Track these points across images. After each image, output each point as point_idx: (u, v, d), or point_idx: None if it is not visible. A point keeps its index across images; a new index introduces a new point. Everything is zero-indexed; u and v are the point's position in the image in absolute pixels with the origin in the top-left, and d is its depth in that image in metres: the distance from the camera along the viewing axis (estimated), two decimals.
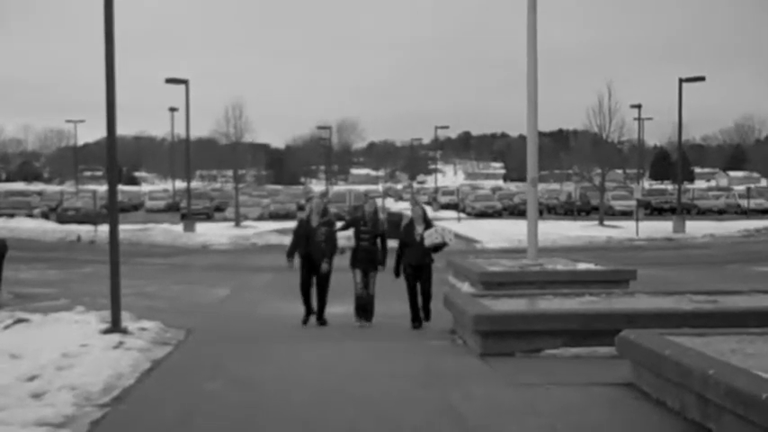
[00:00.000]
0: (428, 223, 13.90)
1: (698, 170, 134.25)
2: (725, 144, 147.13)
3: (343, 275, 14.24)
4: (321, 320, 14.11)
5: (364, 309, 13.93)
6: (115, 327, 12.43)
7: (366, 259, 13.84)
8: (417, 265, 13.70)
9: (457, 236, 14.38)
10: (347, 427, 8.04)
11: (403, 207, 62.28)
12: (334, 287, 14.29)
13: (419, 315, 13.85)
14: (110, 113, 12.98)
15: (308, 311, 14.15)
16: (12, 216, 47.04)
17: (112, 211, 13.47)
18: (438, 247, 13.71)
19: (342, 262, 14.35)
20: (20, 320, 13.04)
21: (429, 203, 69.90)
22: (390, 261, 13.91)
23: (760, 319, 11.09)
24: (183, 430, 7.99)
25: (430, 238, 13.53)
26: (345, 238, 14.19)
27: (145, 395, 9.35)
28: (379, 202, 51.53)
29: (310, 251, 13.89)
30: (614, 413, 8.48)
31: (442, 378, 10.11)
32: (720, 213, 60.22)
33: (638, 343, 9.13)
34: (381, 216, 15.10)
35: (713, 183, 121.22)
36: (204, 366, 10.90)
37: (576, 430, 7.85)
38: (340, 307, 14.70)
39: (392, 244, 13.89)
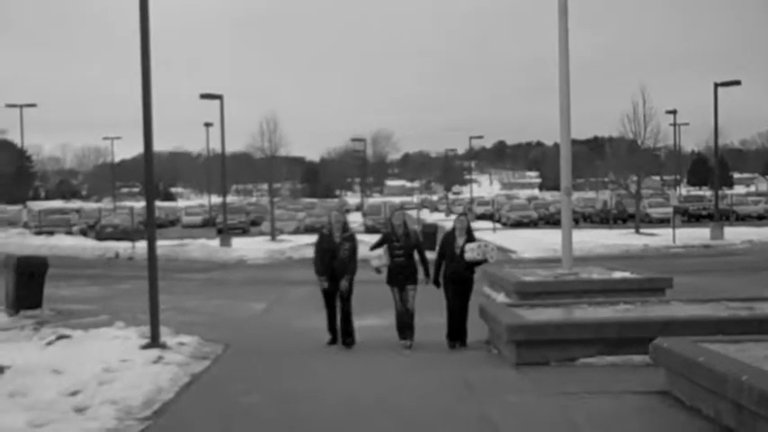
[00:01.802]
0: (470, 236, 13.17)
1: (737, 175, 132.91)
2: (763, 148, 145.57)
3: (376, 288, 13.96)
4: (346, 342, 13.21)
5: (406, 326, 13.11)
6: (154, 342, 12.63)
7: (402, 275, 13.02)
8: (457, 279, 12.98)
9: (499, 249, 13.53)
10: None
11: (438, 218, 62.37)
12: (372, 299, 14.27)
13: (457, 332, 13.05)
14: (147, 130, 13.21)
15: (335, 332, 13.38)
16: (51, 234, 47.61)
17: (150, 228, 13.69)
18: (478, 263, 13.06)
19: (372, 275, 13.71)
20: (62, 336, 13.26)
21: (465, 213, 69.76)
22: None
23: None
24: None
25: (471, 253, 12.79)
26: (377, 257, 13.09)
27: (184, 409, 9.51)
28: (414, 213, 51.63)
29: (334, 267, 13.09)
30: (649, 421, 8.50)
31: (477, 389, 10.18)
32: (760, 219, 59.56)
33: (671, 350, 9.15)
34: (414, 227, 14.36)
35: (752, 188, 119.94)
36: (242, 380, 11.04)
37: None
38: (377, 319, 14.77)
39: (430, 256, 13.30)
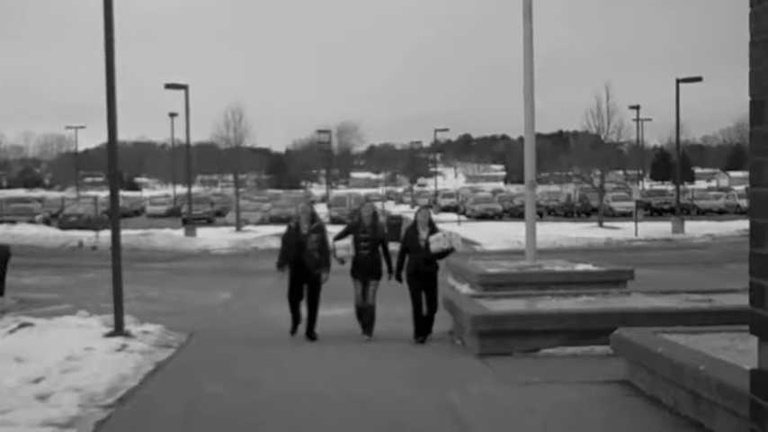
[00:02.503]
0: (433, 228, 12.90)
1: (698, 170, 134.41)
2: (725, 144, 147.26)
3: (343, 279, 13.92)
4: (311, 335, 13.05)
5: (367, 321, 12.99)
6: (118, 330, 12.60)
7: (366, 268, 12.85)
8: (422, 272, 12.69)
9: (464, 240, 13.56)
10: (347, 426, 8.20)
11: (403, 210, 62.49)
12: (337, 289, 14.25)
13: (423, 329, 12.81)
14: (110, 119, 13.15)
15: (297, 321, 13.22)
16: (14, 223, 47.11)
17: (114, 217, 13.63)
18: (445, 253, 12.75)
19: (339, 266, 13.54)
20: (24, 325, 13.18)
21: (429, 206, 69.94)
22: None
23: None
24: (187, 430, 8.16)
25: (437, 243, 12.53)
26: (344, 247, 12.88)
27: (148, 396, 9.51)
28: (379, 205, 51.71)
29: (302, 259, 12.90)
30: (609, 410, 8.63)
31: (440, 378, 10.27)
32: (720, 213, 60.38)
33: (632, 341, 9.30)
34: (381, 219, 14.10)
35: (713, 183, 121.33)
36: (206, 368, 11.06)
37: (571, 427, 8.02)
38: (340, 309, 14.81)
39: (393, 247, 13.20)
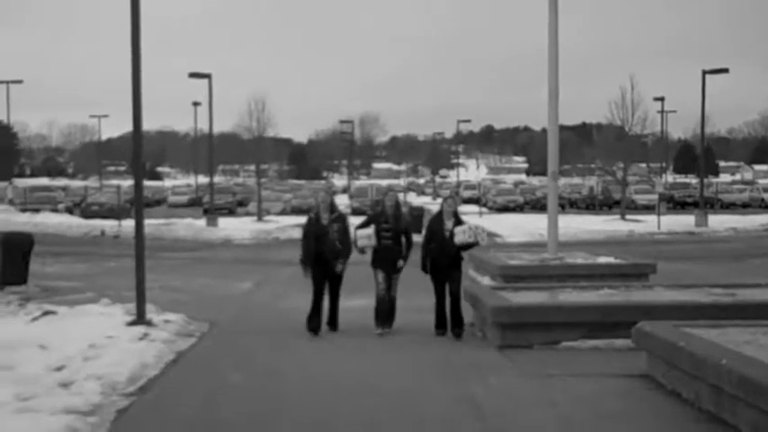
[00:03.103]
0: (458, 219, 12.62)
1: (722, 163, 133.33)
2: (750, 137, 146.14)
3: (364, 269, 13.78)
4: (333, 326, 12.93)
5: (385, 314, 12.66)
6: (140, 319, 12.67)
7: (388, 259, 12.56)
8: (446, 263, 12.42)
9: (489, 234, 13.09)
10: (369, 417, 8.23)
11: (425, 201, 62.43)
12: (358, 280, 14.24)
13: (445, 321, 12.52)
14: (136, 109, 13.23)
15: (318, 322, 12.66)
16: (37, 211, 47.39)
17: (138, 206, 13.67)
18: (469, 246, 12.51)
19: (359, 256, 13.32)
20: (47, 312, 13.29)
21: (452, 197, 69.76)
22: (414, 256, 12.89)
23: None
24: (208, 418, 8.21)
25: (462, 235, 12.27)
26: (366, 237, 12.60)
27: (169, 385, 9.57)
28: (401, 196, 51.67)
29: (323, 251, 12.56)
30: (629, 404, 8.61)
31: (461, 370, 10.28)
32: (744, 207, 59.86)
33: (653, 334, 9.26)
34: (404, 209, 13.64)
35: (738, 176, 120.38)
36: (227, 358, 11.11)
37: (591, 420, 7.99)
38: (361, 300, 14.78)
39: (416, 238, 13.02)
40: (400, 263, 12.67)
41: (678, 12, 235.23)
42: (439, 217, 12.70)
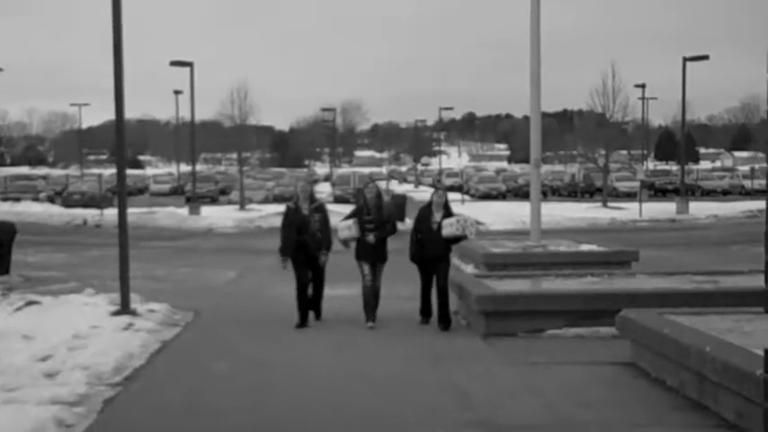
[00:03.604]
0: (448, 211, 12.38)
1: (703, 150, 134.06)
2: (730, 124, 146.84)
3: (346, 259, 13.68)
4: (317, 314, 12.85)
5: (372, 305, 12.50)
6: (124, 309, 12.64)
7: (373, 251, 12.35)
8: (433, 256, 12.28)
9: (478, 223, 12.69)
10: (356, 404, 8.27)
11: (407, 189, 62.47)
12: (342, 270, 14.21)
13: (430, 309, 12.51)
14: (118, 98, 13.17)
15: (305, 316, 12.53)
16: (18, 200, 47.15)
17: (121, 195, 13.60)
18: (457, 239, 12.34)
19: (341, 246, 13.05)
20: (31, 303, 13.23)
21: (433, 185, 69.89)
22: (401, 244, 12.86)
23: (758, 299, 11.22)
24: (194, 408, 8.22)
25: (449, 228, 12.07)
26: (347, 227, 12.36)
27: (155, 375, 9.58)
28: (383, 184, 51.69)
29: (306, 241, 12.39)
30: (613, 391, 8.67)
31: (446, 358, 10.32)
32: (725, 194, 60.27)
33: (637, 322, 9.32)
34: (386, 198, 13.35)
35: (718, 163, 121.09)
36: (212, 347, 11.12)
37: (576, 407, 8.04)
38: (345, 290, 14.80)
39: (400, 226, 12.95)
40: (369, 237, 12.25)
41: None
42: (428, 208, 12.52)
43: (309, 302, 12.69)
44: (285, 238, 12.59)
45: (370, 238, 12.31)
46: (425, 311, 12.60)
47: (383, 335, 11.87)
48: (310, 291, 12.74)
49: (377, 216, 12.40)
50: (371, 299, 12.50)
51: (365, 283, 12.47)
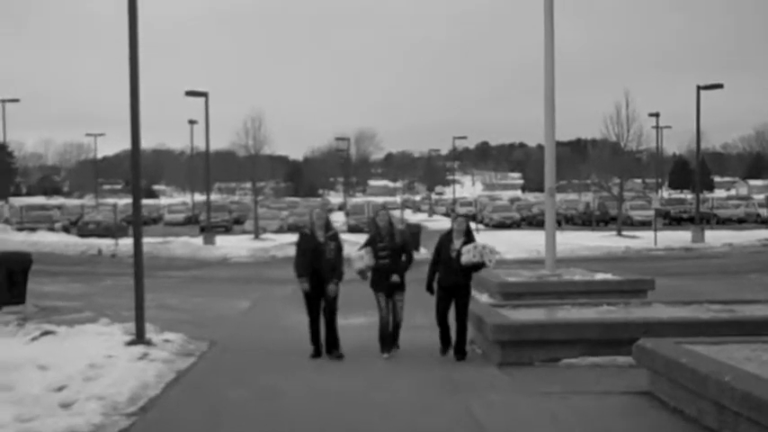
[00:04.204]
0: (469, 238, 12.10)
1: (717, 179, 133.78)
2: (745, 152, 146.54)
3: (358, 287, 13.24)
4: (332, 353, 12.23)
5: (390, 338, 12.26)
6: (139, 338, 12.65)
7: (388, 279, 12.07)
8: (451, 285, 11.97)
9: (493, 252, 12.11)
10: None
11: (421, 219, 62.43)
12: (354, 298, 14.15)
13: (449, 337, 12.14)
14: (134, 128, 13.24)
15: (319, 346, 12.28)
16: (34, 230, 47.34)
17: (136, 224, 13.66)
18: (476, 267, 11.95)
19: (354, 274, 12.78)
20: (46, 332, 13.26)
21: (447, 215, 69.87)
22: (418, 274, 12.73)
23: None
24: None
25: (467, 254, 11.74)
26: (359, 258, 12.13)
27: (170, 405, 9.56)
28: (397, 213, 51.71)
29: (320, 269, 12.02)
30: (631, 421, 8.60)
31: (461, 387, 10.27)
32: (740, 222, 60.01)
33: (654, 351, 9.26)
34: (400, 227, 12.97)
35: (733, 191, 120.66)
36: (228, 377, 11.09)
37: None
38: (361, 318, 14.76)
39: (415, 256, 12.73)
40: (394, 277, 12.07)
41: (673, 26, 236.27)
42: (448, 236, 12.23)
43: (321, 338, 12.33)
44: (300, 262, 12.19)
45: (385, 262, 12.03)
46: (445, 340, 12.21)
47: (397, 363, 11.81)
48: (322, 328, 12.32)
49: (390, 243, 12.15)
50: (387, 331, 12.24)
51: (382, 315, 12.23)
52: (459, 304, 12.06)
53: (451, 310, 12.16)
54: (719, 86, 42.25)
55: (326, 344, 12.28)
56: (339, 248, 12.30)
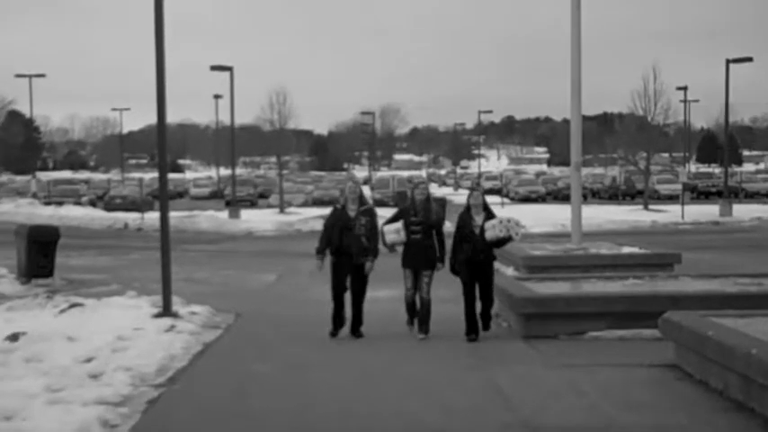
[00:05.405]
0: (489, 212, 11.65)
1: (746, 153, 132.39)
2: None
3: (389, 259, 12.69)
4: (357, 333, 11.80)
5: (419, 315, 11.74)
6: (166, 311, 12.75)
7: (418, 255, 11.53)
8: (476, 261, 11.50)
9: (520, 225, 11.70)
10: (397, 406, 8.25)
11: (446, 192, 62.37)
12: (383, 270, 13.80)
13: (476, 326, 11.58)
14: (160, 103, 13.30)
15: (340, 323, 11.82)
16: (60, 204, 47.79)
17: (163, 198, 13.74)
18: (501, 242, 11.53)
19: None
20: (74, 305, 13.38)
21: (476, 188, 69.55)
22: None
23: None
24: (236, 409, 8.26)
25: (492, 230, 11.26)
26: (395, 231, 11.57)
27: (197, 376, 9.64)
28: None
29: (349, 245, 11.47)
30: (657, 393, 8.59)
31: (487, 360, 10.29)
32: None
33: (681, 324, 9.23)
34: (434, 205, 11.82)
35: (762, 165, 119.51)
36: (254, 349, 11.16)
37: (619, 409, 7.97)
38: (386, 290, 14.71)
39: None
40: (439, 266, 11.64)
41: None
42: (467, 213, 11.69)
43: (345, 317, 11.93)
44: (323, 237, 11.83)
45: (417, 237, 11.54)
46: (472, 328, 11.57)
47: (421, 337, 11.82)
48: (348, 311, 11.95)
49: (425, 219, 11.59)
50: (414, 309, 11.88)
51: (406, 294, 11.86)
52: (484, 279, 11.67)
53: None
54: (749, 60, 41.84)
55: (352, 324, 11.86)
56: (373, 225, 11.70)
